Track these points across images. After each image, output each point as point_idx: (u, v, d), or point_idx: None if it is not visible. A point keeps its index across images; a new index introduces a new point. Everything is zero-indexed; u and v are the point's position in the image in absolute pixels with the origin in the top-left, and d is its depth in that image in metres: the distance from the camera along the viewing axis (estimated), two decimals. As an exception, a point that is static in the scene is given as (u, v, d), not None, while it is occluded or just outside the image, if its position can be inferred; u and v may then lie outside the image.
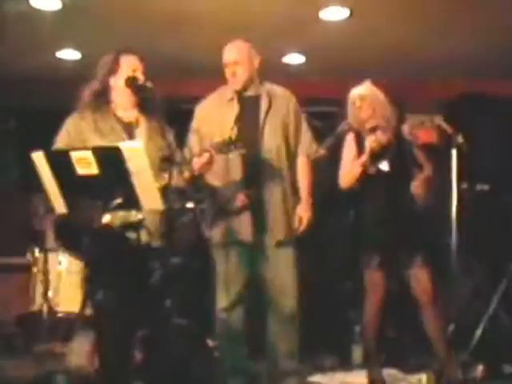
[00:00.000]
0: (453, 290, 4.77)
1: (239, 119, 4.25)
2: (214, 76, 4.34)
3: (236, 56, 4.29)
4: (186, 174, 3.88)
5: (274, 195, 4.30)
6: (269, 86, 4.43)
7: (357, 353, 5.38)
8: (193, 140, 4.33)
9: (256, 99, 4.35)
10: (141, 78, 3.88)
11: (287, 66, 7.23)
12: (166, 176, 3.67)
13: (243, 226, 4.27)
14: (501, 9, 5.56)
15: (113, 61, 3.92)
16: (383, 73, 7.22)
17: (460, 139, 4.60)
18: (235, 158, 4.22)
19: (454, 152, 4.63)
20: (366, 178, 4.50)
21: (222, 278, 4.36)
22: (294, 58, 7.12)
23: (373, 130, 4.48)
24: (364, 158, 4.44)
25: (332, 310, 5.76)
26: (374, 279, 4.58)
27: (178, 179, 3.76)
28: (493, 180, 5.91)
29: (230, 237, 4.32)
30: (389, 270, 4.54)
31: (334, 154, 4.76)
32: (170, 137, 3.97)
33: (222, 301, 4.36)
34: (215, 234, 4.38)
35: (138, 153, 3.36)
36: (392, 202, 4.51)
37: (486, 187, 5.72)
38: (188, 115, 4.46)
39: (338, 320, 5.73)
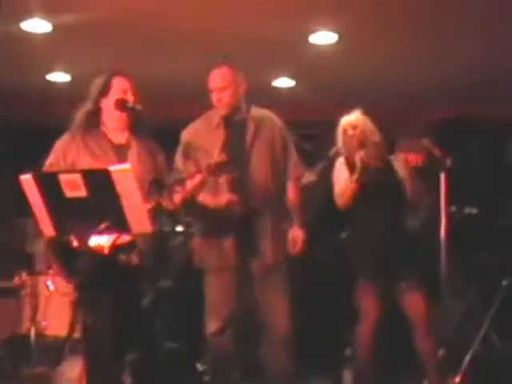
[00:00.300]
0: (444, 314, 4.75)
1: (226, 145, 4.23)
2: (202, 98, 4.33)
3: (222, 82, 4.25)
4: (177, 197, 3.86)
5: (262, 219, 4.28)
6: (255, 111, 4.41)
7: (347, 376, 5.34)
8: (180, 163, 4.31)
9: (243, 124, 4.31)
10: (131, 99, 3.89)
11: (277, 89, 7.25)
12: (156, 198, 3.67)
13: (228, 249, 4.24)
14: (486, 33, 5.59)
15: (104, 82, 3.93)
16: (372, 96, 7.34)
17: (448, 162, 4.61)
18: (224, 182, 4.20)
19: (442, 175, 4.63)
20: (360, 202, 4.51)
21: (211, 302, 4.34)
22: (284, 82, 7.15)
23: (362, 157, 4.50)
24: (356, 174, 4.45)
25: (324, 332, 5.74)
26: (367, 302, 4.57)
27: (168, 202, 3.76)
28: (481, 203, 5.92)
29: (217, 261, 4.29)
30: (382, 293, 4.54)
31: (326, 177, 4.76)
32: (161, 159, 3.96)
33: (211, 325, 4.33)
34: (204, 257, 4.36)
35: (126, 175, 3.34)
36: (384, 226, 4.52)
37: (474, 210, 5.73)
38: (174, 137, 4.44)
39: (329, 343, 5.70)
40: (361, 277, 4.60)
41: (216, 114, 4.33)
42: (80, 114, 3.94)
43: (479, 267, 5.58)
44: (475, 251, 5.55)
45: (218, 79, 4.27)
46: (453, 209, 5.39)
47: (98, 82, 3.97)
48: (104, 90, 3.92)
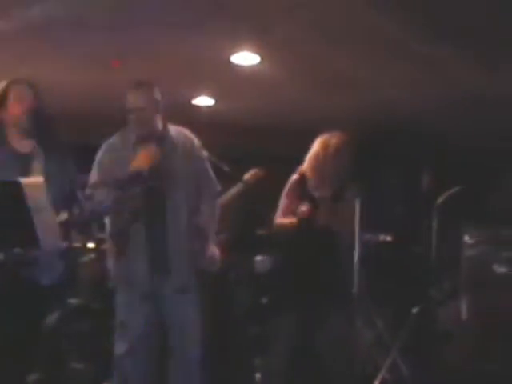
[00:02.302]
0: (355, 340, 4.76)
1: (144, 160, 4.15)
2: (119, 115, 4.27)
3: (139, 102, 4.17)
4: (88, 213, 3.74)
5: (176, 237, 4.22)
6: (172, 129, 4.35)
7: (257, 401, 5.31)
8: (93, 173, 4.21)
9: (160, 143, 4.25)
10: (33, 106, 3.72)
11: (197, 108, 7.23)
12: (67, 213, 3.56)
13: (139, 268, 4.16)
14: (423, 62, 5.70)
15: (1, 93, 3.78)
16: (293, 119, 7.40)
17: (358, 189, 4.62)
18: (140, 196, 4.11)
19: (357, 205, 4.64)
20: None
21: (120, 323, 4.24)
22: (204, 101, 7.12)
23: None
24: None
25: (234, 355, 5.69)
26: (283, 327, 4.54)
27: (79, 216, 3.62)
28: (396, 231, 5.99)
29: (128, 280, 4.20)
30: (301, 318, 4.50)
31: (244, 199, 4.74)
32: (71, 169, 3.83)
33: (119, 346, 4.23)
34: (114, 276, 4.28)
35: (38, 189, 3.26)
36: (309, 251, 4.49)
37: (388, 238, 5.79)
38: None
39: (239, 366, 5.66)
40: (279, 299, 4.58)
41: (131, 132, 4.26)
42: None
43: (391, 294, 5.62)
44: (388, 278, 5.60)
45: (136, 99, 4.18)
46: (367, 236, 5.44)
47: None
48: (1, 101, 3.76)
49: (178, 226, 4.20)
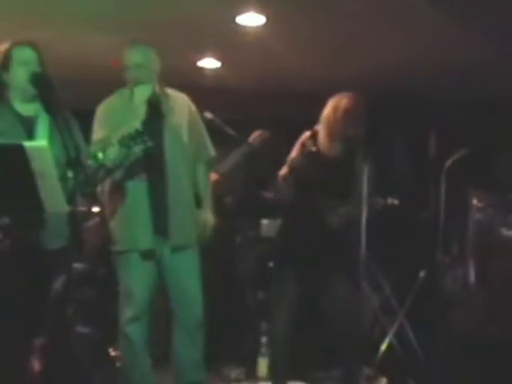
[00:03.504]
0: (362, 305, 4.76)
1: (141, 122, 4.11)
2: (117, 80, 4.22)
3: (140, 59, 4.19)
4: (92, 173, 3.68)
5: (175, 199, 4.21)
6: (170, 92, 4.37)
7: (263, 365, 5.32)
8: (98, 136, 4.17)
9: (158, 104, 4.24)
10: (37, 69, 3.68)
11: (202, 70, 7.15)
12: (72, 175, 3.52)
13: (142, 231, 4.16)
14: (419, 26, 5.61)
15: (4, 55, 3.72)
16: (298, 81, 7.32)
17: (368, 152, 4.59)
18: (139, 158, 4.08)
19: (365, 168, 4.60)
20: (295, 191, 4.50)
21: (125, 288, 4.23)
22: (210, 63, 7.04)
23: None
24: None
25: (239, 320, 5.70)
26: (286, 291, 4.55)
27: (83, 179, 3.57)
28: (403, 195, 5.95)
29: (130, 243, 4.20)
30: (304, 282, 4.51)
31: (249, 161, 4.71)
32: (76, 131, 3.79)
33: (124, 312, 4.22)
34: (116, 240, 4.26)
35: (42, 152, 3.22)
36: (311, 216, 4.48)
37: (396, 201, 5.75)
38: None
39: (245, 331, 5.67)
40: (282, 264, 4.56)
41: (129, 91, 4.27)
42: None
43: (398, 258, 5.61)
44: (395, 242, 5.58)
45: (136, 56, 4.20)
46: (375, 199, 5.40)
47: None
48: (5, 63, 3.71)
49: (176, 185, 4.21)
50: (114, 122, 4.14)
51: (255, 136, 5.67)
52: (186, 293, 4.26)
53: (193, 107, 4.40)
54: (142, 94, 4.23)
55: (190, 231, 4.29)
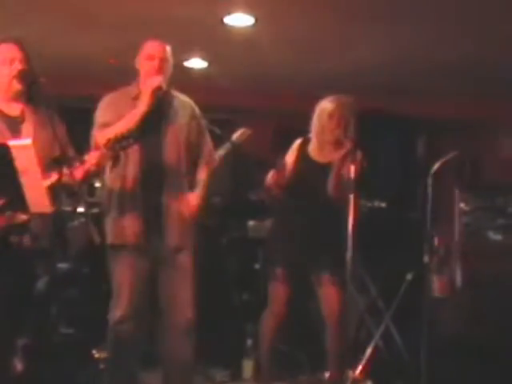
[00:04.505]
0: (347, 308, 4.74)
1: (143, 119, 4.07)
2: (112, 76, 4.19)
3: (162, 52, 4.17)
4: (78, 173, 3.64)
5: (171, 199, 4.17)
6: (175, 93, 4.33)
7: (248, 366, 5.30)
8: (99, 135, 4.15)
9: (162, 103, 4.19)
10: (18, 67, 3.61)
11: (189, 70, 7.13)
12: (56, 175, 3.48)
13: (133, 228, 4.11)
14: (405, 24, 5.60)
15: None
16: (286, 82, 7.31)
17: (359, 155, 4.58)
18: (135, 158, 4.08)
19: (352, 167, 4.60)
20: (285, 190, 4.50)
21: (116, 285, 4.18)
22: (196, 63, 7.02)
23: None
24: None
25: (225, 321, 5.68)
26: (275, 292, 4.54)
27: (68, 178, 3.53)
28: (390, 198, 5.95)
29: (121, 240, 4.15)
30: (293, 283, 4.51)
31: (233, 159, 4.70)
32: (61, 130, 3.74)
33: (114, 310, 4.17)
34: (109, 236, 4.19)
35: (27, 152, 3.19)
36: (301, 216, 4.48)
37: (383, 204, 5.75)
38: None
39: (230, 332, 5.64)
40: (272, 264, 4.56)
41: (134, 88, 4.22)
42: None
43: (385, 260, 5.60)
44: (382, 244, 5.57)
45: (159, 49, 4.18)
46: (362, 202, 5.39)
47: None
48: None
49: (173, 184, 4.18)
50: (110, 118, 4.10)
51: (237, 134, 5.65)
52: (179, 294, 4.22)
53: (197, 111, 4.37)
54: (148, 86, 4.14)
55: (186, 233, 4.24)
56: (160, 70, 4.14)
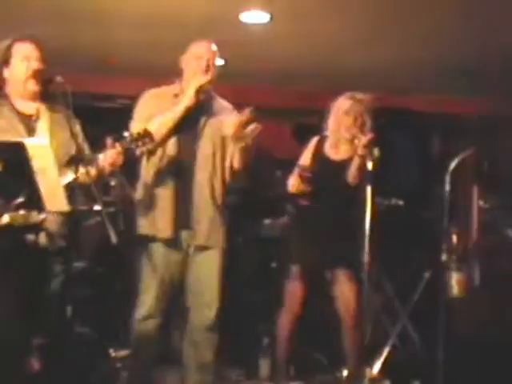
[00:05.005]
0: (364, 307, 4.72)
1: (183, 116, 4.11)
2: (133, 74, 4.18)
3: (211, 53, 4.24)
4: (93, 172, 3.62)
5: (204, 195, 4.18)
6: (216, 96, 4.37)
7: (264, 366, 5.28)
8: (141, 108, 4.19)
9: (204, 102, 4.21)
10: (34, 66, 3.62)
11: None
12: (72, 173, 3.48)
13: (165, 220, 4.13)
14: (426, 24, 5.57)
15: (5, 50, 3.67)
16: (303, 78, 7.28)
17: (376, 152, 4.55)
18: (171, 152, 4.13)
19: (369, 165, 4.57)
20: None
21: (144, 279, 4.18)
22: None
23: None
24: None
25: (241, 320, 5.66)
26: (292, 290, 4.55)
27: (84, 177, 3.52)
28: (407, 195, 5.92)
29: (153, 231, 4.15)
30: (309, 282, 4.50)
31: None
32: (76, 128, 3.73)
33: (140, 306, 4.18)
34: (140, 227, 4.22)
35: (43, 150, 3.20)
36: (318, 214, 4.48)
37: (400, 202, 5.72)
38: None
39: (246, 331, 5.63)
40: (288, 262, 4.56)
41: (177, 86, 4.27)
42: None
43: (402, 259, 5.58)
44: (399, 243, 5.55)
45: (207, 49, 4.24)
46: (379, 200, 5.36)
47: None
48: (5, 59, 3.66)
49: (207, 181, 4.20)
50: (155, 108, 4.15)
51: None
52: (205, 294, 4.23)
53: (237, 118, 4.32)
54: (193, 84, 4.14)
55: (215, 233, 4.24)
56: (207, 69, 4.18)
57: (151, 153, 4.11)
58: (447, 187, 4.71)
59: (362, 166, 4.35)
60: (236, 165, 4.26)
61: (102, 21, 5.73)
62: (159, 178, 4.16)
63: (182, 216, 4.15)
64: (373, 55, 6.47)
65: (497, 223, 5.63)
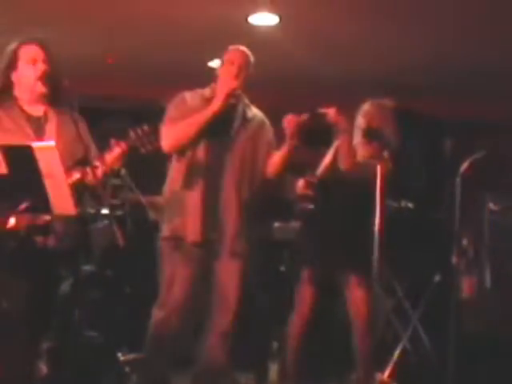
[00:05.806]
0: (373, 309, 4.70)
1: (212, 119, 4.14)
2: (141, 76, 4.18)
3: (243, 59, 4.29)
4: (99, 172, 3.59)
5: (231, 199, 4.22)
6: (249, 103, 4.41)
7: (274, 370, 5.26)
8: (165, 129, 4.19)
9: (235, 108, 4.28)
10: (42, 68, 3.61)
11: (213, 70, 7.11)
12: (79, 174, 3.46)
13: (192, 223, 4.16)
14: (431, 28, 5.56)
15: (11, 54, 3.66)
16: (312, 82, 7.27)
17: (385, 154, 4.53)
18: (201, 155, 4.17)
19: (378, 166, 4.55)
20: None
21: (165, 281, 4.20)
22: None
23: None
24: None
25: (251, 324, 5.64)
26: (302, 294, 4.51)
27: (90, 178, 3.50)
28: (417, 198, 5.89)
29: (179, 233, 4.18)
30: (320, 285, 4.47)
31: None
32: (84, 131, 3.72)
33: (160, 307, 4.20)
34: (166, 229, 4.25)
35: (50, 153, 3.17)
36: (330, 218, 4.44)
37: (410, 204, 5.69)
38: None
39: (256, 335, 5.61)
40: (298, 266, 4.53)
41: (209, 91, 4.31)
42: None
43: (412, 261, 5.54)
44: (409, 245, 5.51)
45: (240, 55, 4.30)
46: (389, 202, 5.34)
47: (5, 53, 3.69)
48: (12, 62, 3.65)
49: (234, 186, 4.23)
50: (185, 110, 4.20)
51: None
52: (227, 298, 4.28)
53: (267, 123, 4.44)
54: (223, 89, 4.17)
55: (241, 238, 4.29)
56: (238, 75, 4.21)
57: (180, 155, 4.17)
58: (458, 189, 4.68)
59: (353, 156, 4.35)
60: (271, 170, 4.34)
61: (111, 23, 5.75)
62: (188, 181, 4.19)
63: (210, 220, 4.18)
64: (383, 57, 6.46)
65: (508, 225, 5.60)
